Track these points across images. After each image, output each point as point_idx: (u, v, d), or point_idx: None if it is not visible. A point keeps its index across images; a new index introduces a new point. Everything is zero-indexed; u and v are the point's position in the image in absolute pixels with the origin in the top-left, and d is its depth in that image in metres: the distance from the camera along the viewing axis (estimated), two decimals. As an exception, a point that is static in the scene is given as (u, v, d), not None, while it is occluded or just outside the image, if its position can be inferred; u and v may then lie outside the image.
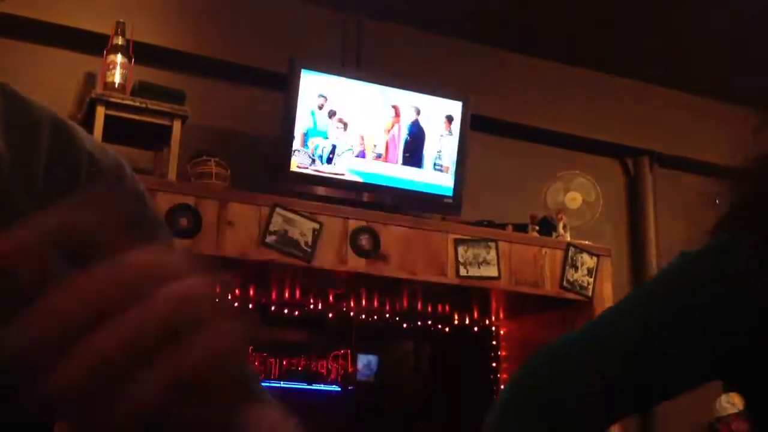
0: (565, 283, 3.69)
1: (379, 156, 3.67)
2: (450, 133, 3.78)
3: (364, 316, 4.61)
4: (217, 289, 0.29)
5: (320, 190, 3.53)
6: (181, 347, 0.28)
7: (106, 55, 3.31)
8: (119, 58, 3.29)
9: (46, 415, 0.23)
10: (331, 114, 3.61)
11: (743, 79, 4.67)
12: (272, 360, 4.90)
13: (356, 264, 3.32)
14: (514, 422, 0.87)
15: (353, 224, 3.35)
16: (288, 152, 3.48)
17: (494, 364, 4.41)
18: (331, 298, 4.12)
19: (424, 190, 3.72)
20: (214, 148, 3.46)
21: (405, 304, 4.28)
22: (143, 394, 0.26)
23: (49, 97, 3.38)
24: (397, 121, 3.72)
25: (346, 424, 5.18)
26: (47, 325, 0.25)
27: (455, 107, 3.79)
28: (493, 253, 3.56)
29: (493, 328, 4.51)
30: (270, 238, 3.17)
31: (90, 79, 3.57)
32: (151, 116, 3.21)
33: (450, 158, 3.77)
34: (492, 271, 3.54)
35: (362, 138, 3.65)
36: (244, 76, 3.89)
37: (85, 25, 3.50)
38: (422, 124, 3.75)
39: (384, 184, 3.65)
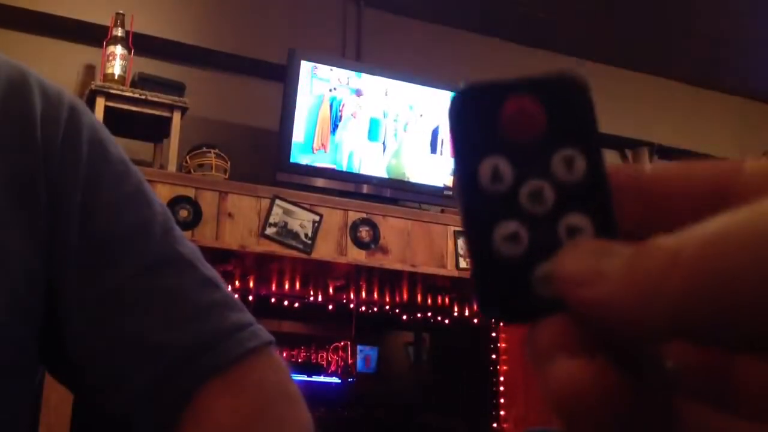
0: (564, 275, 3.69)
1: (379, 147, 3.67)
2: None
3: (363, 308, 4.61)
4: None
5: (320, 182, 3.53)
6: None
7: (106, 46, 3.30)
8: (119, 49, 3.28)
9: None
10: (331, 104, 3.60)
11: (743, 71, 4.67)
12: (272, 352, 4.91)
13: (356, 256, 3.33)
14: None
15: (353, 216, 3.35)
16: (288, 144, 3.48)
17: (494, 356, 4.42)
18: (330, 289, 4.12)
19: (424, 182, 3.72)
20: (213, 140, 3.46)
21: (405, 295, 4.29)
22: None
23: (49, 89, 3.38)
24: (397, 112, 3.71)
25: (345, 415, 5.19)
26: None
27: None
28: (492, 245, 3.56)
29: (493, 320, 4.51)
30: (270, 230, 3.17)
31: (89, 70, 3.57)
32: (150, 108, 3.20)
33: (449, 149, 3.76)
34: (492, 263, 3.54)
35: (362, 129, 3.64)
36: (244, 67, 3.88)
37: (85, 17, 3.49)
38: (422, 114, 3.75)
39: (384, 175, 3.65)
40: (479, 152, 0.22)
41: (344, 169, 3.59)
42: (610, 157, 4.77)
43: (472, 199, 0.21)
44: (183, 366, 0.61)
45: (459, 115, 0.23)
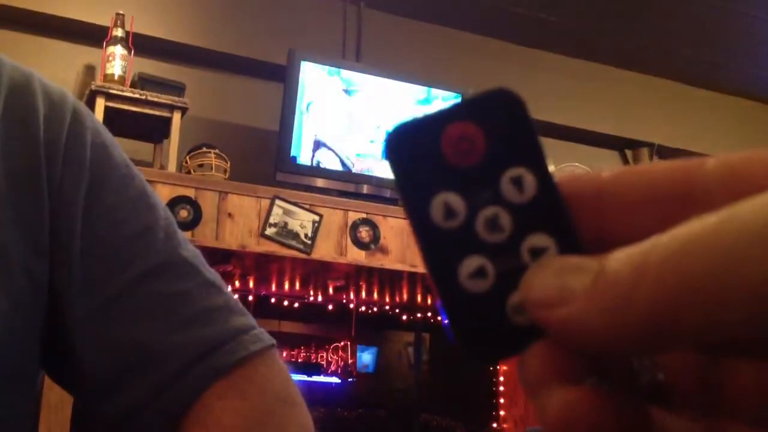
0: (564, 275, 3.69)
1: (379, 147, 3.67)
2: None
3: (363, 308, 4.62)
4: None
5: (320, 182, 3.53)
6: None
7: (106, 46, 3.30)
8: (119, 49, 3.28)
9: None
10: (331, 105, 3.61)
11: (744, 72, 4.67)
12: (272, 352, 4.91)
13: (356, 256, 3.33)
14: None
15: (353, 216, 3.36)
16: (288, 144, 3.48)
17: (494, 356, 4.42)
18: (330, 290, 4.13)
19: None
20: (213, 140, 3.47)
21: (405, 296, 4.29)
22: None
23: (49, 89, 3.39)
24: (397, 112, 3.72)
25: (345, 415, 5.19)
26: None
27: (455, 99, 3.80)
28: (492, 245, 3.56)
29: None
30: (270, 230, 3.18)
31: (89, 71, 3.57)
32: (150, 108, 3.21)
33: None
34: (491, 263, 3.54)
35: (362, 129, 3.65)
36: (244, 67, 3.89)
37: (85, 17, 3.49)
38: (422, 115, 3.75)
39: (384, 176, 3.65)
40: (426, 190, 0.21)
41: (344, 170, 3.59)
42: (610, 158, 4.77)
43: (429, 239, 0.21)
44: (188, 368, 0.62)
45: (398, 154, 0.22)
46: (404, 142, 0.22)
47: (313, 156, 3.54)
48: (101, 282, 0.63)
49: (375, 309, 4.66)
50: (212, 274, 0.70)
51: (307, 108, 3.55)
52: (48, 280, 0.63)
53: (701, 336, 0.17)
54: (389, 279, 3.84)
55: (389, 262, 3.39)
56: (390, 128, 0.22)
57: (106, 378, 0.63)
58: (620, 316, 0.18)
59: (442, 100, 3.79)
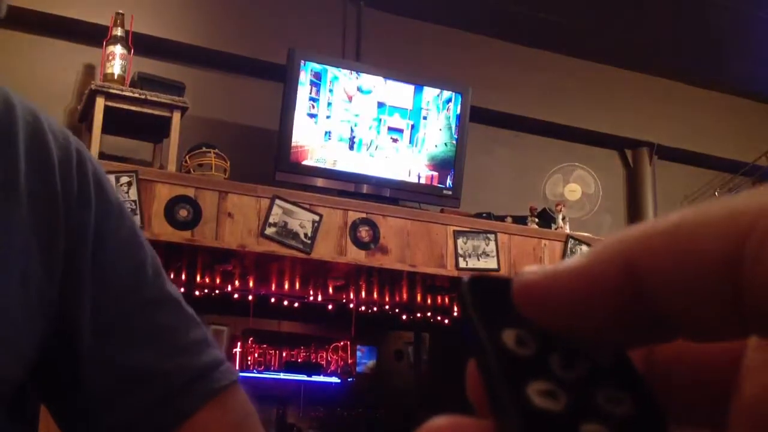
0: (564, 274, 3.69)
1: (378, 147, 3.67)
2: (449, 124, 3.78)
3: (363, 308, 4.62)
4: None
5: (320, 182, 3.53)
6: None
7: (106, 46, 3.30)
8: (119, 49, 3.28)
9: None
10: (330, 104, 3.61)
11: (744, 71, 4.67)
12: (272, 351, 4.91)
13: (356, 256, 3.33)
14: None
15: (353, 216, 3.36)
16: (287, 143, 3.48)
17: (493, 356, 4.42)
18: (330, 289, 4.13)
19: (424, 182, 3.72)
20: (213, 140, 3.46)
21: (404, 295, 4.29)
22: None
23: (49, 89, 3.40)
24: (397, 112, 3.72)
25: (345, 415, 5.19)
26: None
27: (454, 98, 3.80)
28: (492, 245, 3.56)
29: None
30: (270, 230, 3.18)
31: (89, 70, 3.57)
32: (150, 107, 3.21)
33: (449, 150, 3.77)
34: (491, 263, 3.54)
35: (362, 129, 3.65)
36: (243, 67, 3.89)
37: (85, 17, 3.49)
38: (421, 115, 3.75)
39: (383, 175, 3.65)
40: (498, 324, 0.22)
41: (344, 169, 3.59)
42: (610, 157, 4.77)
43: (499, 358, 0.21)
44: (178, 392, 0.73)
45: (474, 297, 0.23)
46: (480, 289, 0.23)
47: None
48: (104, 310, 0.72)
49: (375, 309, 4.66)
50: (190, 309, 0.80)
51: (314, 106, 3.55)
52: (60, 309, 0.71)
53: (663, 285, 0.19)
54: (389, 279, 3.84)
55: (389, 262, 3.39)
56: (467, 278, 0.23)
57: (105, 396, 0.72)
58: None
59: (443, 99, 3.79)
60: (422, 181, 3.73)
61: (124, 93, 3.16)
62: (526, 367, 0.21)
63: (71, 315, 0.71)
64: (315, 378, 5.03)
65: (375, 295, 4.30)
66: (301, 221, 3.24)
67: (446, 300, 4.39)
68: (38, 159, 0.71)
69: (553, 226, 3.85)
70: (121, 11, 3.36)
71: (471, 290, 0.23)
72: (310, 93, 3.57)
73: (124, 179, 2.95)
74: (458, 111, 3.79)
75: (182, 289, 4.28)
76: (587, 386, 0.21)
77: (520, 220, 3.80)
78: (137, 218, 2.94)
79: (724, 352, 0.21)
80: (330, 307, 4.51)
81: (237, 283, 4.06)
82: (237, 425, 0.77)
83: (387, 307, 4.66)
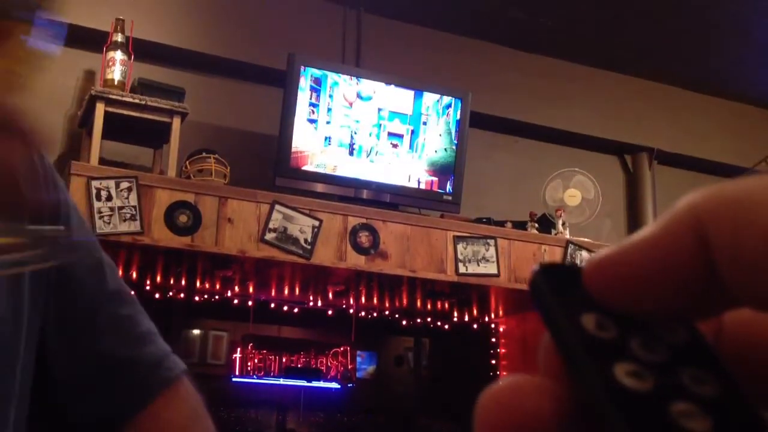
0: (564, 280, 3.68)
1: (378, 153, 3.67)
2: (449, 129, 3.79)
3: (363, 313, 4.61)
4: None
5: (320, 187, 3.53)
6: None
7: (106, 52, 3.31)
8: (119, 55, 3.29)
9: None
10: (330, 110, 3.61)
11: (744, 77, 4.68)
12: (272, 357, 4.90)
13: (356, 261, 3.33)
14: None
15: (353, 221, 3.35)
16: (287, 149, 3.48)
17: (493, 362, 4.42)
18: (330, 295, 4.12)
19: (424, 187, 3.72)
20: (213, 145, 3.47)
21: (404, 301, 4.29)
22: None
23: (49, 94, 3.39)
24: (397, 118, 3.72)
25: (345, 420, 5.18)
26: None
27: (454, 104, 3.80)
28: (492, 250, 3.56)
29: (493, 326, 4.52)
30: (269, 235, 3.17)
31: (89, 76, 3.57)
32: (150, 113, 3.21)
33: (449, 155, 3.77)
34: (491, 269, 3.54)
35: (362, 134, 3.65)
36: (243, 72, 3.89)
37: (85, 22, 3.49)
38: (421, 120, 3.75)
39: (383, 181, 3.65)
40: (576, 310, 0.22)
41: (344, 175, 3.59)
42: (610, 162, 4.77)
43: (584, 343, 0.21)
44: (144, 378, 0.78)
45: (549, 284, 0.23)
46: (553, 275, 0.23)
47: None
48: (69, 307, 0.76)
49: (375, 314, 4.66)
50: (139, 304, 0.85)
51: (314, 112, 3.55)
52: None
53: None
54: (389, 284, 3.84)
55: (389, 267, 3.39)
56: (539, 266, 0.23)
57: (77, 384, 0.76)
58: None
59: (444, 101, 3.79)
60: (422, 186, 3.73)
61: (124, 98, 3.16)
62: (609, 349, 0.21)
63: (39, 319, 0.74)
64: (315, 383, 5.02)
65: (375, 301, 4.30)
66: (301, 227, 3.24)
67: (446, 305, 4.38)
68: None
69: (553, 232, 3.85)
70: (121, 17, 3.37)
71: (543, 278, 0.23)
72: (310, 98, 3.57)
73: (124, 185, 2.95)
74: (458, 116, 3.79)
75: (182, 295, 4.28)
76: (670, 366, 0.21)
77: (520, 225, 3.80)
78: (137, 223, 2.94)
79: None
80: (330, 312, 4.51)
81: (237, 288, 4.06)
82: (192, 411, 0.82)
83: (387, 312, 4.66)
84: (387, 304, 4.42)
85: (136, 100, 3.18)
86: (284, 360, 4.95)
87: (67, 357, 0.76)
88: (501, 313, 4.40)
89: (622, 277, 0.20)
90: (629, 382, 0.20)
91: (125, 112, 3.16)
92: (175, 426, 0.81)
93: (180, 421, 0.81)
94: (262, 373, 4.87)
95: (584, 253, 3.76)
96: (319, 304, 4.31)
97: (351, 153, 3.63)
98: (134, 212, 2.94)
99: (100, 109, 3.09)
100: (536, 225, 3.82)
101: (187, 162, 3.33)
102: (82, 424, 0.78)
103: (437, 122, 3.78)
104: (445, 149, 3.78)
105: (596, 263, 0.21)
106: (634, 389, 0.20)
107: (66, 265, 0.76)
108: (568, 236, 3.82)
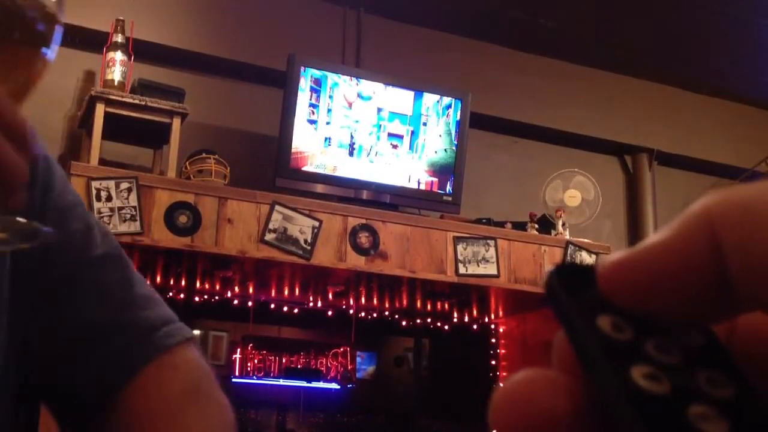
0: (564, 280, 3.68)
1: (378, 153, 3.67)
2: (449, 130, 3.79)
3: (363, 314, 4.61)
4: None
5: (320, 188, 3.53)
6: None
7: (106, 52, 3.31)
8: (119, 55, 3.29)
9: None
10: (330, 111, 3.61)
11: (744, 77, 4.67)
12: (272, 357, 4.90)
13: (356, 262, 3.33)
14: None
15: (352, 222, 3.36)
16: (287, 149, 3.48)
17: (493, 362, 4.42)
18: (330, 295, 4.12)
19: (424, 188, 3.72)
20: (213, 146, 3.47)
21: (404, 301, 4.29)
22: None
23: (49, 94, 3.39)
24: (397, 119, 3.72)
25: (345, 421, 5.18)
26: None
27: (454, 105, 3.80)
28: (492, 251, 3.56)
29: (493, 326, 4.52)
30: (269, 236, 3.17)
31: (89, 76, 3.57)
32: (150, 114, 3.21)
33: (449, 156, 3.77)
34: (491, 269, 3.54)
35: (362, 135, 3.65)
36: (243, 73, 3.89)
37: (85, 23, 3.49)
38: (421, 121, 3.75)
39: (383, 181, 3.65)
40: (592, 311, 0.22)
41: (343, 175, 3.59)
42: (609, 163, 4.77)
43: (601, 345, 0.21)
44: (131, 345, 0.72)
45: (564, 286, 0.23)
46: (568, 275, 0.23)
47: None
48: (51, 267, 0.71)
49: (374, 315, 4.66)
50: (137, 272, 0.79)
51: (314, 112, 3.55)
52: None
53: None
54: (389, 285, 3.84)
55: (389, 268, 3.39)
56: (555, 266, 0.23)
57: (56, 361, 0.71)
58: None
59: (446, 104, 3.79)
60: (422, 187, 3.73)
61: (124, 99, 3.16)
62: (626, 352, 0.21)
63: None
64: (315, 384, 5.02)
65: (375, 301, 4.30)
66: (301, 227, 3.24)
67: (446, 306, 4.39)
68: None
69: (553, 232, 3.85)
70: (121, 18, 3.37)
71: (558, 279, 0.23)
72: (310, 99, 3.57)
73: (124, 185, 2.95)
74: (458, 117, 3.79)
75: (182, 295, 4.28)
76: (686, 369, 0.21)
77: (520, 226, 3.80)
78: (137, 224, 2.94)
79: None
80: (330, 313, 4.51)
81: (237, 289, 4.06)
82: (190, 384, 0.74)
83: (387, 313, 4.66)
84: (387, 305, 4.42)
85: (136, 101, 3.18)
86: (284, 360, 4.95)
87: (46, 330, 0.71)
88: (501, 313, 4.40)
89: (635, 279, 0.21)
90: (646, 384, 0.20)
91: (125, 113, 3.16)
92: (165, 402, 0.72)
93: (172, 396, 0.73)
94: (262, 373, 4.87)
95: (584, 254, 3.76)
96: (319, 304, 4.31)
97: (351, 153, 3.63)
98: (134, 213, 2.94)
99: (100, 109, 3.09)
100: (536, 226, 3.82)
101: (187, 162, 3.33)
102: (70, 405, 0.73)
103: (437, 123, 3.78)
104: (445, 150, 3.78)
105: (610, 265, 0.21)
106: (652, 392, 0.20)
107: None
108: (567, 237, 3.82)
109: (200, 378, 0.76)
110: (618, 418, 0.20)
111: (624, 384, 0.20)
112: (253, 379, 4.86)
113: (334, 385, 5.06)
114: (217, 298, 4.23)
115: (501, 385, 0.21)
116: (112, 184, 2.94)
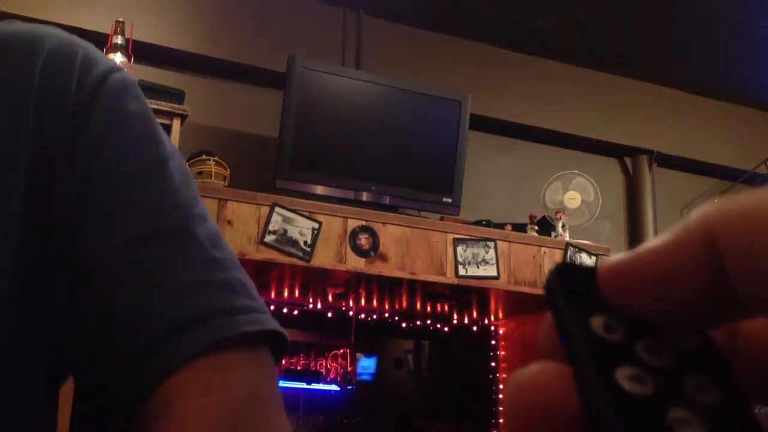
0: (564, 282, 3.68)
1: (378, 154, 3.67)
2: (449, 131, 3.79)
3: (363, 316, 4.61)
4: None
5: (319, 190, 3.53)
6: None
7: (106, 54, 3.31)
8: (118, 57, 3.29)
9: None
10: (330, 113, 3.61)
11: (744, 79, 4.68)
12: (271, 359, 4.90)
13: (355, 263, 3.33)
14: None
15: (352, 223, 3.35)
16: (287, 151, 3.48)
17: (493, 364, 4.42)
18: (330, 297, 4.12)
19: (424, 190, 3.72)
20: (213, 147, 3.47)
21: (404, 303, 4.29)
22: None
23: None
24: (396, 120, 3.72)
25: (345, 423, 5.18)
26: None
27: (454, 106, 3.80)
28: (492, 252, 3.56)
29: (493, 328, 4.52)
30: (269, 238, 3.17)
31: (89, 78, 3.57)
32: (150, 115, 3.20)
33: (449, 157, 3.77)
34: (491, 271, 3.54)
35: (361, 137, 3.65)
36: (243, 74, 3.89)
37: (84, 24, 3.50)
38: (421, 122, 3.75)
39: (383, 183, 3.65)
40: (587, 311, 0.22)
41: (343, 177, 3.59)
42: (610, 165, 4.77)
43: (589, 344, 0.22)
44: (164, 340, 0.51)
45: (562, 285, 0.23)
46: (566, 275, 0.24)
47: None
48: (89, 247, 0.54)
49: (374, 316, 4.65)
50: (222, 252, 0.59)
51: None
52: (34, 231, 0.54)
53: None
54: (389, 286, 3.83)
55: (389, 270, 3.39)
56: (555, 266, 0.24)
57: (76, 354, 0.54)
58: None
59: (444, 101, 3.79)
60: (422, 188, 3.73)
61: (123, 101, 3.16)
62: (614, 352, 0.21)
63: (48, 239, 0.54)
64: (314, 386, 5.01)
65: (375, 303, 4.29)
66: (301, 229, 3.24)
67: (446, 308, 4.38)
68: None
69: (553, 234, 3.85)
70: (121, 19, 3.37)
71: (558, 278, 0.23)
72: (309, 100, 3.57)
73: (124, 187, 2.95)
74: (458, 119, 3.79)
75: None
76: (675, 371, 0.21)
77: (520, 227, 3.80)
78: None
79: None
80: (330, 314, 4.51)
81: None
82: (228, 415, 0.50)
83: (387, 314, 4.65)
84: (387, 307, 4.42)
85: (136, 102, 3.17)
86: (283, 362, 4.95)
87: (74, 313, 0.53)
88: (501, 315, 4.40)
89: (633, 281, 0.21)
90: (628, 385, 0.20)
91: (125, 114, 3.16)
92: None
93: (198, 424, 0.49)
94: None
95: (584, 256, 3.76)
96: (319, 306, 4.30)
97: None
98: (134, 214, 2.94)
99: (99, 111, 3.09)
100: (536, 227, 3.82)
101: (187, 164, 3.33)
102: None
103: (437, 124, 3.78)
104: (445, 151, 3.78)
105: (610, 267, 0.21)
106: (633, 393, 0.20)
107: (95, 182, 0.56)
108: (567, 239, 3.82)
109: (250, 398, 0.52)
110: (596, 417, 0.20)
111: (605, 384, 0.20)
112: (253, 380, 4.85)
113: (334, 387, 5.06)
114: (216, 299, 4.22)
115: (514, 377, 0.21)
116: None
